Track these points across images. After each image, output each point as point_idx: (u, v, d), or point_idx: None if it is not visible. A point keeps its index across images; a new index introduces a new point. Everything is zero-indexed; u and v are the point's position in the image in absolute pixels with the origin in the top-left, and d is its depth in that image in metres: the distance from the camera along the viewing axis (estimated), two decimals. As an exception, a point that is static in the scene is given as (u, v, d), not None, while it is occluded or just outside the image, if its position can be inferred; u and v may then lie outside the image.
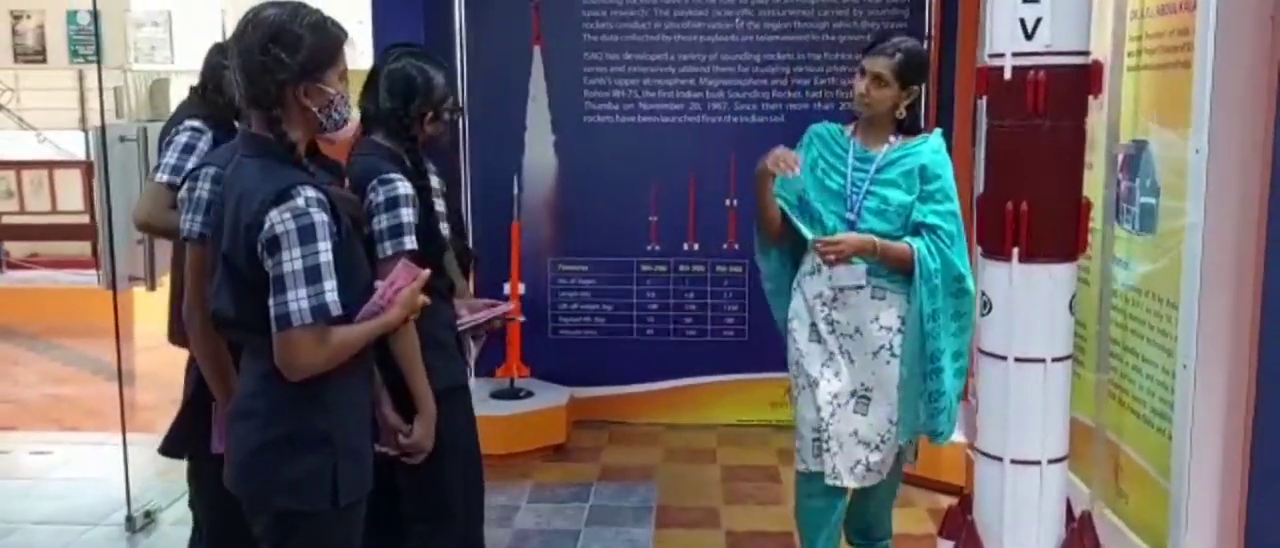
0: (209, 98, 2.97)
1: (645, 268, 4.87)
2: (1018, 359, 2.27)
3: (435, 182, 2.80)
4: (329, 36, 2.01)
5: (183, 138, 2.85)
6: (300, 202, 1.90)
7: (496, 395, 4.53)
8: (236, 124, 2.38)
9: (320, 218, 1.91)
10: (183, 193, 2.30)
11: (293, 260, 1.88)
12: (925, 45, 4.59)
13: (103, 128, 3.90)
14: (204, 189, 2.24)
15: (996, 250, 2.29)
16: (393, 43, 2.93)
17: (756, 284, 4.91)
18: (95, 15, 4.91)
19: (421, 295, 2.14)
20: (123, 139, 3.91)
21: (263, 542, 2.09)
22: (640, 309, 4.91)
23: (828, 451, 2.91)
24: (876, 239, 2.84)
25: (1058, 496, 2.35)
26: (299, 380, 1.95)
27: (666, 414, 4.92)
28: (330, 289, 1.91)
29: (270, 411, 2.01)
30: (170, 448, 2.43)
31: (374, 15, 4.34)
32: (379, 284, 2.09)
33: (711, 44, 4.72)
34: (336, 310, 1.92)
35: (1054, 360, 2.27)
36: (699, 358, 4.89)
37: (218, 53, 3.06)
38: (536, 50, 4.73)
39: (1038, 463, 2.29)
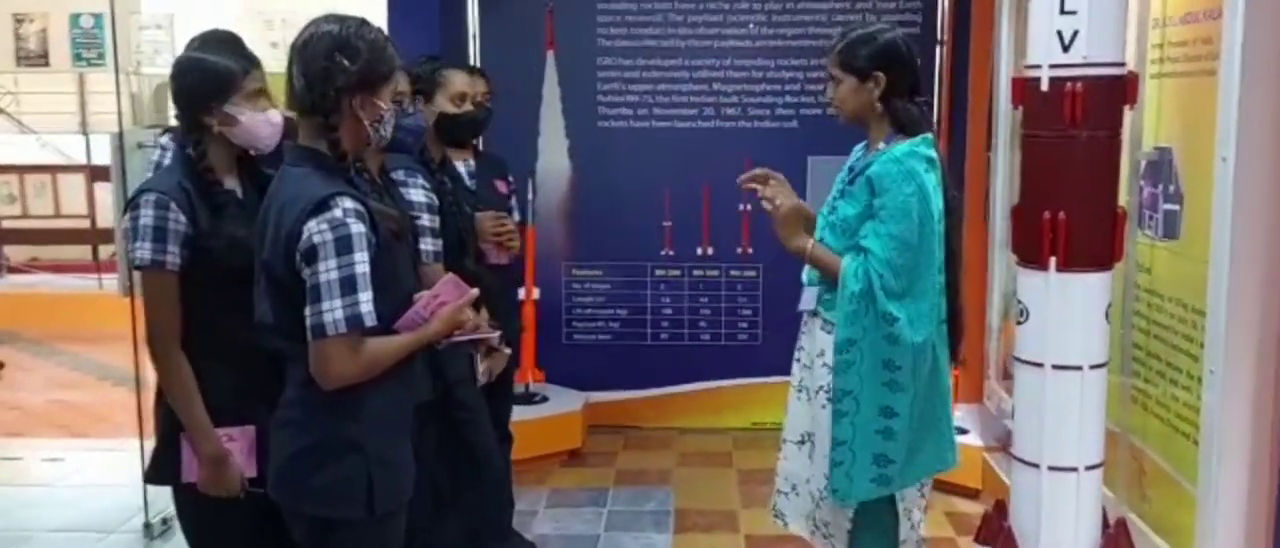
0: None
1: (659, 273, 4.89)
2: (1055, 367, 2.29)
3: (421, 195, 2.81)
4: (388, 54, 2.06)
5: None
6: (338, 212, 1.91)
7: (513, 401, 4.52)
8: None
9: (358, 229, 1.92)
10: (126, 221, 2.22)
11: (329, 271, 1.89)
12: (939, 50, 4.63)
13: (120, 133, 3.88)
14: (147, 216, 2.17)
15: (1033, 259, 2.31)
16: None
17: (770, 288, 4.98)
18: (106, 17, 4.95)
19: (468, 311, 2.14)
20: (140, 146, 3.90)
21: (305, 545, 2.10)
22: (654, 314, 4.92)
23: (778, 489, 2.74)
24: (810, 242, 2.54)
25: (1094, 502, 2.37)
26: (334, 389, 1.96)
27: (681, 418, 4.94)
28: (366, 300, 1.92)
29: (305, 418, 2.03)
30: (152, 476, 2.39)
31: (390, 21, 4.35)
32: (420, 296, 2.10)
33: (725, 49, 4.73)
34: (371, 321, 1.93)
35: (1091, 368, 2.29)
36: (713, 362, 4.91)
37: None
38: (550, 55, 4.73)
39: (1074, 470, 2.31)
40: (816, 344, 2.53)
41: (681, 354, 4.92)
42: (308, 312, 1.91)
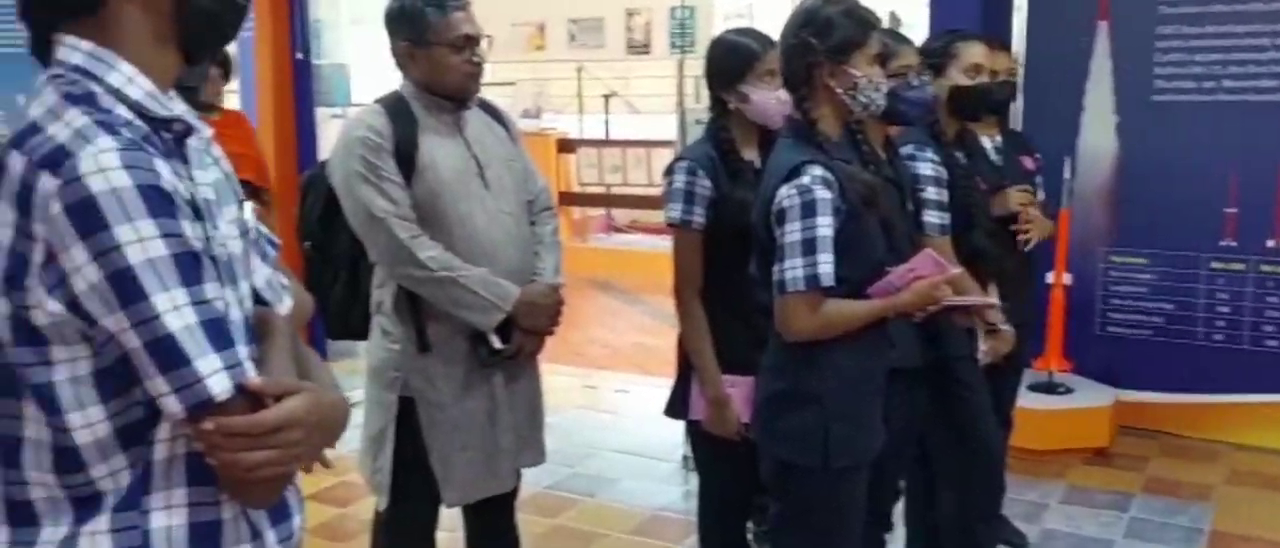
0: None
1: (1217, 265, 4.34)
2: None
3: (929, 168, 2.78)
4: (858, 22, 2.14)
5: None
6: (806, 179, 2.06)
7: (1033, 388, 4.35)
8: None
9: (823, 195, 2.04)
10: (665, 185, 2.53)
11: (793, 232, 2.05)
12: None
13: (682, 112, 4.44)
14: (680, 180, 2.46)
15: None
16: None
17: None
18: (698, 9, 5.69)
19: (944, 288, 2.16)
20: (697, 122, 4.40)
21: (769, 488, 2.29)
22: (1207, 311, 4.39)
23: None
24: None
25: None
26: (798, 342, 2.10)
27: (1231, 432, 4.36)
28: (825, 262, 2.03)
29: (778, 366, 2.21)
30: (668, 409, 2.70)
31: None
32: (896, 268, 2.16)
33: (1323, 9, 4.05)
34: (828, 281, 2.04)
35: None
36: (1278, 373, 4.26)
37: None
38: (1102, 26, 4.40)
39: None
40: None
41: (1240, 359, 4.32)
42: (775, 268, 2.09)
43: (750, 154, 2.53)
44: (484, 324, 2.41)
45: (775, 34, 2.41)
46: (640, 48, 8.55)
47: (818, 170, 2.07)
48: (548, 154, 8.42)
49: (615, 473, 4.29)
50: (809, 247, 2.04)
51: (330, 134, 5.29)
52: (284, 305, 1.34)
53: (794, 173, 2.08)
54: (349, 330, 2.58)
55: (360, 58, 5.67)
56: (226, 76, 4.69)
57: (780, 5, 7.88)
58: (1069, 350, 4.43)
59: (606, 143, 8.92)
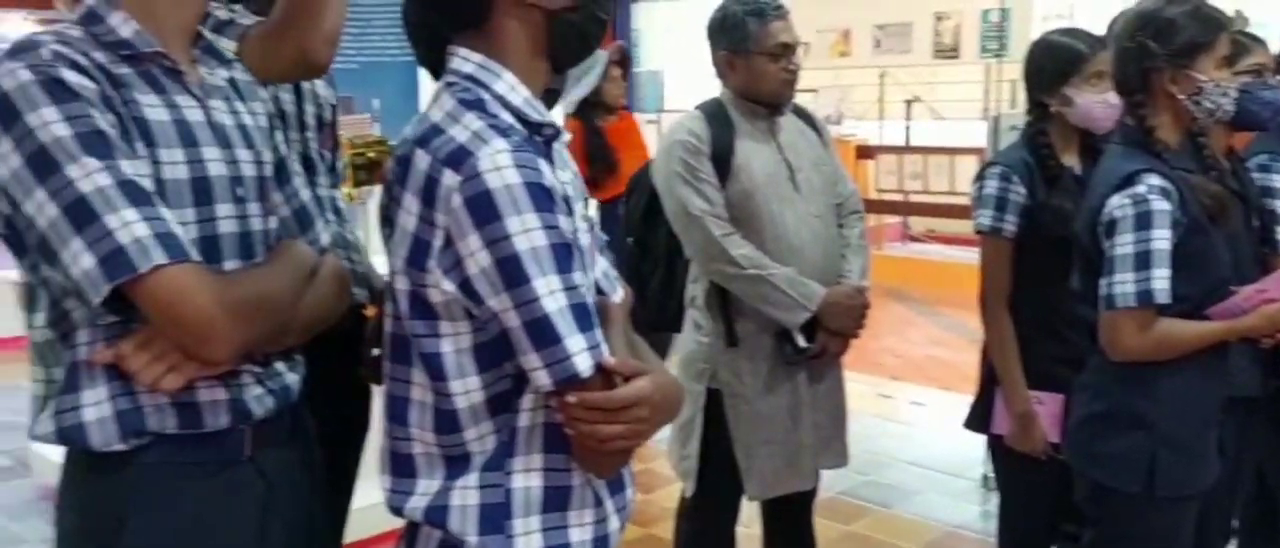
0: None
1: None
2: None
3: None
4: (1204, 22, 2.01)
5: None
6: (1142, 189, 1.95)
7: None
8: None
9: (1160, 206, 1.93)
10: (974, 190, 2.46)
11: (1125, 245, 1.95)
12: None
13: (996, 117, 4.29)
14: (991, 186, 2.39)
15: None
16: None
17: None
18: (1013, 11, 5.45)
19: None
20: (1012, 128, 4.24)
21: (1084, 513, 2.19)
22: None
23: None
24: None
25: None
26: (1125, 362, 1.99)
27: None
28: (1160, 277, 1.92)
29: (1100, 385, 2.11)
30: (969, 422, 2.61)
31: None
32: (1242, 289, 2.01)
33: None
34: (1163, 299, 1.93)
35: None
36: None
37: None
38: None
39: None
40: None
41: None
42: (1102, 282, 2.00)
43: (1070, 160, 2.44)
44: (790, 322, 2.47)
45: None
46: (948, 52, 8.29)
47: (1155, 179, 1.96)
48: (847, 160, 8.34)
49: (911, 485, 4.22)
50: (1142, 261, 1.94)
51: (645, 138, 5.55)
52: (617, 296, 1.45)
53: (1127, 181, 1.98)
54: (664, 322, 2.71)
55: (672, 65, 5.90)
56: (626, 75, 4.97)
57: (1104, 5, 7.41)
58: None
59: (907, 149, 8.73)
